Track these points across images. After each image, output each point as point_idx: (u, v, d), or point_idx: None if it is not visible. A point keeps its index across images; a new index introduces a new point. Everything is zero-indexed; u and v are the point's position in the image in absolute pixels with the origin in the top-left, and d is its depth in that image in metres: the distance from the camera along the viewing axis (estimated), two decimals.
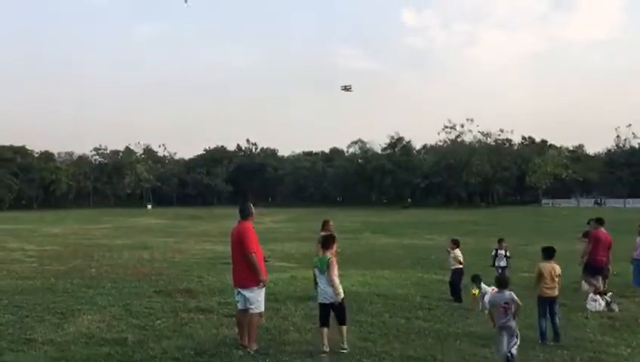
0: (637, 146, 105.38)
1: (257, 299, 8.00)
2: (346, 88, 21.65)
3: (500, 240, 15.26)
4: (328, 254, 8.35)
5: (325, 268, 8.17)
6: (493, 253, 15.29)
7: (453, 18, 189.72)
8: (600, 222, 13.37)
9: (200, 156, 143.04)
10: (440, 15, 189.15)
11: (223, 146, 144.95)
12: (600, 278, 12.73)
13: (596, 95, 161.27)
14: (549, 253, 9.22)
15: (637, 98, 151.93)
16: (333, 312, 8.22)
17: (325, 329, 8.10)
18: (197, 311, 10.80)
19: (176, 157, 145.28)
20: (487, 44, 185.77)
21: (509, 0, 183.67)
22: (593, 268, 12.86)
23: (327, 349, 7.97)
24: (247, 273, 7.99)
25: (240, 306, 8.12)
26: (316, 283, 8.76)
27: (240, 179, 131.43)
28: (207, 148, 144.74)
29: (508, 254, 15.04)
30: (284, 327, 9.52)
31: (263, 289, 8.16)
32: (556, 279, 9.00)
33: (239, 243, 8.05)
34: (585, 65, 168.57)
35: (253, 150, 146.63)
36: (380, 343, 8.65)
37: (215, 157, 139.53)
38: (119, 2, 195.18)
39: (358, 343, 8.56)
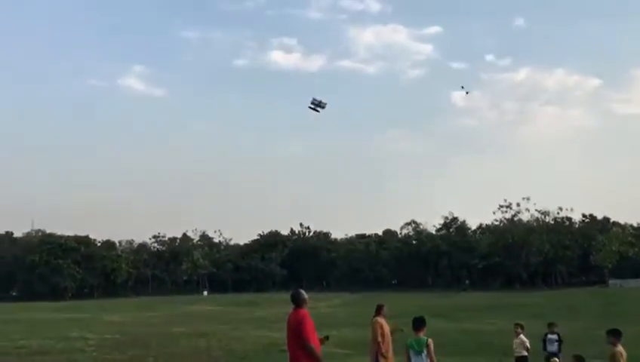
0: None
1: None
2: (319, 105, 19.89)
3: (551, 324, 14.60)
4: (423, 335, 8.79)
5: (423, 348, 8.61)
6: (543, 337, 14.59)
7: (503, 97, 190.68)
8: None
9: (254, 241, 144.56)
10: (489, 95, 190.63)
11: (277, 231, 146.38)
12: None
13: None
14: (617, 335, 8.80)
15: None
16: None
17: None
18: None
19: (232, 242, 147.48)
20: (540, 121, 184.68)
21: (559, 78, 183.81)
22: None
23: None
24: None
25: None
26: None
27: (294, 264, 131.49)
28: (262, 233, 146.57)
29: (560, 339, 14.34)
30: None
31: None
32: None
33: (296, 332, 8.03)
34: (635, 140, 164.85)
35: (307, 234, 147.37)
36: None
37: (269, 242, 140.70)
38: (179, 99, 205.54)
39: None
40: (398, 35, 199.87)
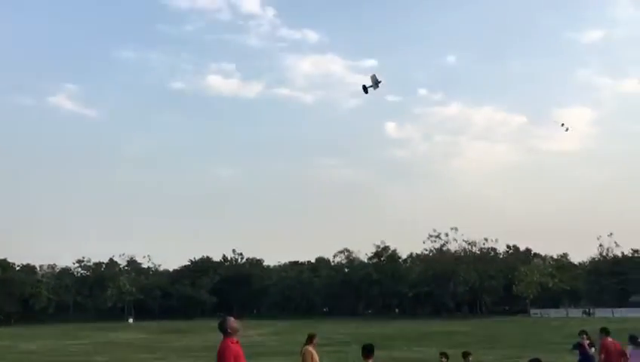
0: (620, 255, 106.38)
1: None
2: (373, 85, 19.75)
3: (465, 353, 14.45)
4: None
5: None
6: None
7: (434, 130, 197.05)
8: (606, 332, 13.42)
9: (185, 267, 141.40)
10: (421, 128, 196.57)
11: (208, 257, 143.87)
12: None
13: (576, 204, 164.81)
14: None
15: (616, 207, 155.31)
16: None
17: None
18: None
19: (161, 268, 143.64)
20: (469, 154, 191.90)
21: (486, 114, 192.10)
22: None
23: None
24: None
25: None
26: None
27: (225, 291, 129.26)
28: (193, 259, 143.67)
29: None
30: None
31: None
32: None
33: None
34: (563, 176, 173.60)
35: (239, 260, 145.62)
36: None
37: (200, 268, 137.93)
38: (113, 119, 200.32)
39: None
40: (335, 65, 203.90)
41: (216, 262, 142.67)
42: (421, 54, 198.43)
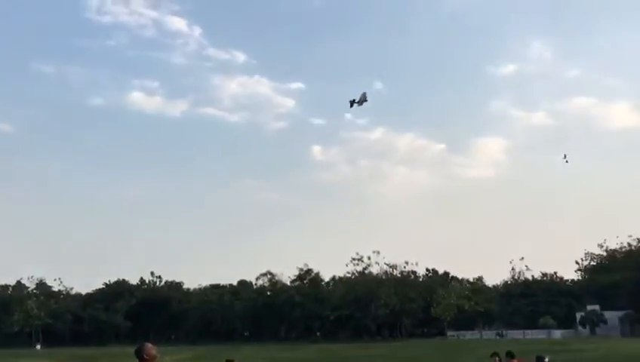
0: (531, 279, 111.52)
1: None
2: (359, 102, 20.44)
3: None
4: None
5: None
6: None
7: (359, 155, 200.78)
8: (511, 355, 13.99)
9: (99, 290, 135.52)
10: (346, 151, 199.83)
11: (124, 280, 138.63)
12: None
13: (491, 229, 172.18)
14: None
15: (528, 233, 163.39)
16: None
17: None
18: None
19: (73, 291, 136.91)
20: (392, 179, 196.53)
21: (409, 140, 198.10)
22: None
23: None
24: None
25: None
26: None
27: (141, 315, 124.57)
28: (108, 281, 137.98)
29: None
30: None
31: None
32: None
33: None
34: (480, 201, 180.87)
35: (158, 283, 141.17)
36: None
37: (115, 291, 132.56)
38: (29, 134, 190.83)
39: None
40: (262, 87, 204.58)
41: (133, 285, 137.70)
42: (348, 79, 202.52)
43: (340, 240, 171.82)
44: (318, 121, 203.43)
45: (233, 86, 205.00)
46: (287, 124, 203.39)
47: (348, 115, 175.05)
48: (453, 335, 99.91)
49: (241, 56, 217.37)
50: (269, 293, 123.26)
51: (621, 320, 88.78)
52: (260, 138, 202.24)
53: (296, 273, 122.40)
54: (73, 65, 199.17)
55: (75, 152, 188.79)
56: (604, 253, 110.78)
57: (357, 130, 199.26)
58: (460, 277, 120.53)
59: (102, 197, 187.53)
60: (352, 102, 22.33)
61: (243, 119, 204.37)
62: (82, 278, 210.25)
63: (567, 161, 49.33)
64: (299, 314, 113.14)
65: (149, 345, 7.91)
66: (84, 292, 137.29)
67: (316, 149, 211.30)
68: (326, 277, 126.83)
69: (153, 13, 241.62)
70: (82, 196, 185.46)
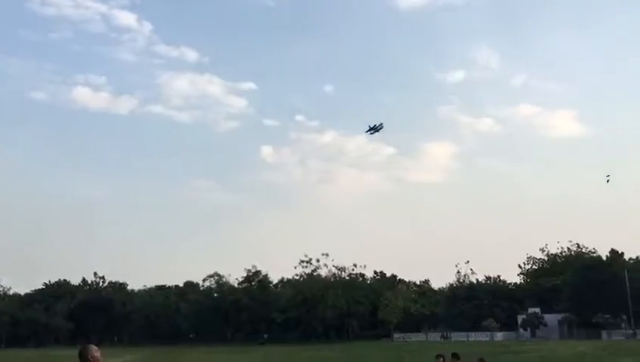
0: (475, 281, 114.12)
1: None
2: (375, 129, 21.55)
3: None
4: None
5: None
6: None
7: (309, 156, 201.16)
8: (456, 356, 14.19)
9: (38, 291, 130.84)
10: (296, 153, 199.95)
11: (65, 280, 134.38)
12: None
13: (439, 233, 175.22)
14: None
15: (473, 237, 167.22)
16: None
17: None
18: None
19: (11, 292, 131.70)
20: (341, 181, 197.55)
21: (359, 143, 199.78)
22: None
23: None
24: None
25: None
26: None
27: (84, 317, 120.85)
28: (48, 282, 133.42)
29: None
30: None
31: None
32: None
33: None
34: (428, 205, 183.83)
35: (101, 284, 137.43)
36: None
37: (56, 292, 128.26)
38: None
39: None
40: (213, 86, 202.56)
41: (75, 286, 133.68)
42: (300, 81, 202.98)
43: (288, 241, 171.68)
44: (269, 122, 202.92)
45: (183, 84, 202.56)
46: (239, 124, 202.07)
47: (299, 117, 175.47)
48: (400, 338, 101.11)
49: (192, 54, 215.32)
50: (215, 295, 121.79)
51: (560, 322, 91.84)
52: (210, 138, 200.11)
53: (244, 274, 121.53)
54: (14, 57, 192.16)
55: (16, 148, 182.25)
56: (546, 258, 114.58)
57: (308, 131, 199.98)
58: (407, 280, 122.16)
59: (42, 195, 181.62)
60: (370, 128, 23.13)
61: (193, 118, 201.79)
62: (21, 278, 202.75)
63: (608, 181, 50.28)
64: (246, 317, 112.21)
65: (94, 346, 7.59)
66: (22, 292, 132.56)
67: (267, 150, 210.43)
68: (274, 279, 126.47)
69: (102, 7, 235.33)
70: (21, 193, 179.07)
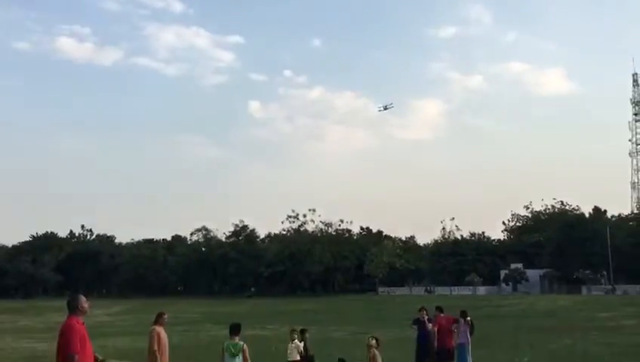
0: (460, 238, 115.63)
1: None
2: (386, 108, 22.33)
3: (302, 330, 13.89)
4: (238, 340, 9.78)
5: (239, 352, 9.60)
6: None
7: (297, 112, 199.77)
8: (440, 309, 14.46)
9: (26, 243, 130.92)
10: (284, 109, 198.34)
11: (53, 233, 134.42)
12: None
13: (425, 190, 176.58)
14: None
15: (459, 193, 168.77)
16: None
17: None
18: None
19: None
20: (329, 138, 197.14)
21: (347, 100, 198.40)
22: (439, 353, 13.69)
23: None
24: None
25: None
26: None
27: (71, 269, 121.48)
28: (35, 234, 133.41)
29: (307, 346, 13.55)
30: None
31: None
32: None
33: (61, 342, 7.31)
34: (415, 163, 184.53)
35: (88, 237, 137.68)
36: None
37: (43, 244, 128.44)
38: None
39: None
40: (200, 39, 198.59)
41: (62, 239, 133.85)
42: (288, 35, 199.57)
43: (276, 197, 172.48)
44: (257, 77, 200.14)
45: (169, 36, 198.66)
46: (226, 79, 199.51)
47: (287, 72, 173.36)
48: (384, 292, 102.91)
49: (177, 5, 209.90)
50: (203, 249, 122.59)
51: (542, 278, 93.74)
52: (197, 92, 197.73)
53: (232, 229, 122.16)
54: None
55: (1, 98, 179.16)
56: (530, 215, 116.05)
57: (296, 87, 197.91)
58: (392, 236, 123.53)
59: (30, 146, 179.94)
60: (382, 107, 23.25)
61: (180, 72, 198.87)
62: (7, 230, 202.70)
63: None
64: (233, 270, 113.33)
65: (83, 297, 7.60)
66: (9, 244, 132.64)
67: (254, 105, 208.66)
68: (261, 233, 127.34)
69: None
70: (8, 145, 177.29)
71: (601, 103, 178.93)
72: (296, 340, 13.06)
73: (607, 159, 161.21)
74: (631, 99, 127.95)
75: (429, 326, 14.34)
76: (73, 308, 7.43)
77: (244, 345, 9.85)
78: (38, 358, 19.76)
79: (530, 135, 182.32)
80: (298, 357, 12.84)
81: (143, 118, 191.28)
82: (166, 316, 12.17)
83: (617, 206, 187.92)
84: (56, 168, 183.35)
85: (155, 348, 11.39)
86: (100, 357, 7.66)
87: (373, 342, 9.46)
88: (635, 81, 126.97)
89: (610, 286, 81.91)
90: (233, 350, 9.77)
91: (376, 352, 9.44)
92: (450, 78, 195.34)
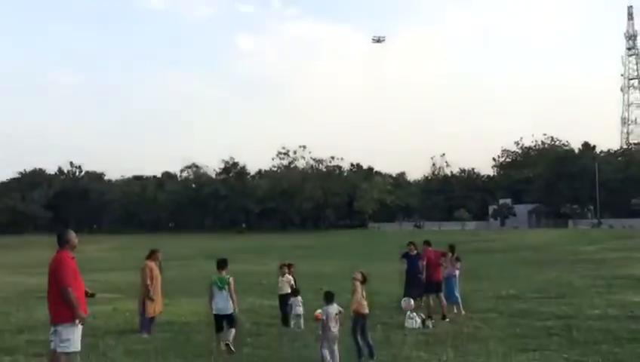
0: (450, 174, 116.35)
1: (69, 336, 7.24)
2: (379, 40, 22.62)
3: (289, 265, 13.88)
4: (225, 274, 10.44)
5: (225, 285, 10.28)
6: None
7: (287, 46, 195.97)
8: (428, 243, 14.56)
9: (14, 180, 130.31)
10: (274, 43, 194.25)
11: (41, 169, 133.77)
12: (434, 295, 13.75)
13: (416, 126, 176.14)
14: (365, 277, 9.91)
15: (449, 130, 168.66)
16: (226, 320, 10.25)
17: (220, 334, 10.21)
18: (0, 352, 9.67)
19: None
20: (320, 73, 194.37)
21: (339, 34, 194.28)
22: (428, 286, 13.86)
23: (223, 347, 9.91)
24: (62, 308, 7.21)
25: (52, 345, 7.34)
26: (211, 299, 10.48)
27: (61, 205, 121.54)
28: (23, 170, 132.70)
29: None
30: None
31: (79, 327, 7.41)
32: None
33: (54, 275, 7.31)
34: (404, 99, 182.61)
35: (77, 173, 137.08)
36: None
37: (33, 180, 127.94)
38: None
39: None
40: None
41: (51, 175, 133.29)
42: None
43: (266, 133, 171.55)
44: (245, 8, 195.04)
45: None
46: (213, 11, 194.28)
47: (276, 3, 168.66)
48: (374, 227, 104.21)
49: None
50: (193, 186, 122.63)
51: (530, 213, 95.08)
52: (184, 25, 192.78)
53: (222, 166, 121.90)
54: None
55: None
56: (520, 151, 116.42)
57: (286, 20, 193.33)
58: (383, 172, 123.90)
59: (19, 80, 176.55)
60: (375, 39, 22.99)
61: (165, 3, 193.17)
62: None
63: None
64: (224, 207, 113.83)
65: (73, 232, 7.60)
66: None
67: (243, 39, 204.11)
68: (252, 170, 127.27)
69: None
70: None
71: (594, 37, 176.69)
72: (287, 274, 13.20)
73: (598, 94, 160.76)
74: (625, 33, 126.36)
75: (420, 262, 14.45)
76: (63, 243, 7.49)
77: (230, 279, 10.44)
78: (31, 292, 19.93)
79: (521, 68, 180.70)
80: (289, 290, 13.01)
81: (130, 52, 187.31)
82: (160, 254, 12.31)
83: (607, 142, 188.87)
84: (45, 104, 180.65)
85: (148, 282, 11.61)
86: (90, 291, 7.70)
87: (359, 275, 9.57)
88: (630, 14, 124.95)
89: (596, 221, 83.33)
90: (220, 283, 10.36)
91: (358, 285, 9.58)
92: (444, 11, 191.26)
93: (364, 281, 9.84)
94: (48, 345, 7.55)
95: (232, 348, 9.96)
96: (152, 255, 12.22)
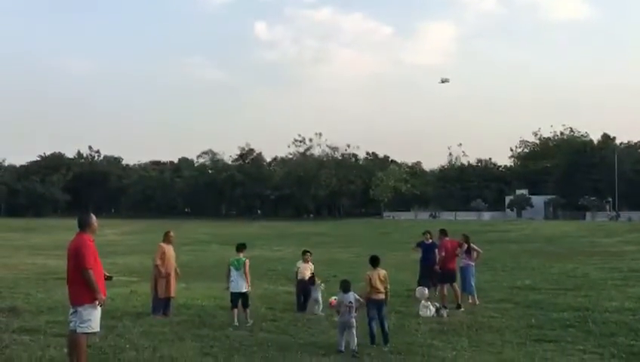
0: (466, 164, 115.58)
1: (89, 317, 7.38)
2: (444, 81, 23.66)
3: (304, 251, 13.99)
4: (242, 256, 11.49)
5: (241, 266, 11.35)
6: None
7: (304, 34, 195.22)
8: (444, 233, 14.52)
9: (34, 163, 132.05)
10: (291, 30, 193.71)
11: (60, 153, 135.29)
12: (448, 285, 13.79)
13: (433, 116, 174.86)
14: (374, 262, 10.05)
15: (466, 119, 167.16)
16: (241, 299, 11.31)
17: (236, 310, 11.23)
18: (21, 332, 9.85)
19: (6, 163, 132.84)
20: (337, 61, 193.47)
21: (356, 22, 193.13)
22: (443, 275, 13.87)
23: (237, 324, 10.92)
24: (82, 290, 7.34)
25: (72, 326, 7.48)
26: (228, 278, 11.52)
27: (80, 189, 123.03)
28: (43, 154, 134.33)
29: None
30: (120, 346, 8.98)
31: (99, 308, 7.54)
32: (383, 284, 9.67)
33: (75, 258, 7.42)
34: (424, 88, 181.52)
35: (96, 158, 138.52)
36: (222, 357, 8.50)
37: (51, 164, 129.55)
38: None
39: (198, 358, 8.35)
40: None
41: (70, 159, 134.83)
42: None
43: (282, 121, 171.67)
44: None
45: None
46: None
47: None
48: (389, 216, 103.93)
49: None
50: (210, 171, 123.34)
51: (546, 204, 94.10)
52: (202, 12, 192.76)
53: (238, 153, 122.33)
54: None
55: (13, 16, 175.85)
56: (538, 141, 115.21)
57: (303, 7, 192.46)
58: (399, 161, 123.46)
59: (39, 66, 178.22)
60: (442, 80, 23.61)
61: None
62: (15, 150, 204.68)
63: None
64: (240, 193, 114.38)
65: (93, 216, 7.70)
66: (18, 164, 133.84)
67: (260, 26, 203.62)
68: (268, 157, 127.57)
69: None
70: (18, 64, 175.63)
71: (617, 29, 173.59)
72: (309, 261, 13.58)
73: (619, 86, 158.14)
74: None
75: (437, 252, 14.45)
76: (84, 226, 7.59)
77: (246, 260, 11.48)
78: (50, 273, 20.27)
79: (542, 61, 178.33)
80: (310, 275, 13.30)
81: (149, 39, 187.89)
82: (172, 233, 12.59)
83: (627, 134, 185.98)
84: (64, 89, 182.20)
85: (158, 262, 11.92)
86: (107, 274, 7.81)
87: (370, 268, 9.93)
88: None
89: (614, 213, 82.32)
90: (237, 264, 11.43)
91: (367, 274, 9.93)
92: (463, 0, 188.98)
93: (374, 264, 9.93)
94: (68, 325, 7.69)
95: (249, 319, 11.25)
96: (165, 237, 12.58)
